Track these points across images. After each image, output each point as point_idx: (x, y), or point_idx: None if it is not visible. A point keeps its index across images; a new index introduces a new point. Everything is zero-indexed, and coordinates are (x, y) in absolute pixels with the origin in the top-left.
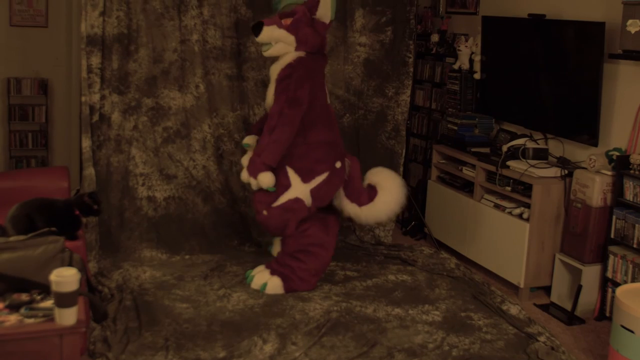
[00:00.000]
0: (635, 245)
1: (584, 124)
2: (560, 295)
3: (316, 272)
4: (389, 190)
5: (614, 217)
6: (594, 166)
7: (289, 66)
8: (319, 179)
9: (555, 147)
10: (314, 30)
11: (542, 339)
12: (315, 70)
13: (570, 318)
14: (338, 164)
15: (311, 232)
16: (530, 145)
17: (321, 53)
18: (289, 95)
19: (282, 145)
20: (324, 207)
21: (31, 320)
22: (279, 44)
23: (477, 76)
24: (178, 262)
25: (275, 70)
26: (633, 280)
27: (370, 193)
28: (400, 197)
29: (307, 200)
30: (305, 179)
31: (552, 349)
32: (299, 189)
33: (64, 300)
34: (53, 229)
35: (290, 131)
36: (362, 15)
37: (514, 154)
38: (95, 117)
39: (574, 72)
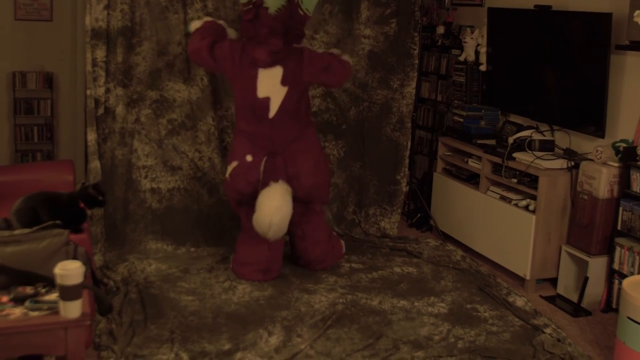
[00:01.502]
0: None
1: (591, 116)
2: (566, 287)
3: (242, 263)
4: (257, 207)
5: (620, 208)
6: (600, 158)
7: None
8: (231, 166)
9: (562, 138)
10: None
11: (548, 330)
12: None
13: (576, 310)
14: (249, 157)
15: (242, 220)
16: (537, 136)
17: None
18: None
19: None
20: None
21: (36, 313)
22: None
23: (482, 68)
24: (183, 254)
25: None
26: (639, 272)
27: None
28: (262, 215)
29: (230, 181)
30: (228, 160)
31: (558, 340)
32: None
33: (69, 293)
34: (58, 222)
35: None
36: (367, 7)
37: (520, 145)
38: (101, 111)
39: (581, 63)
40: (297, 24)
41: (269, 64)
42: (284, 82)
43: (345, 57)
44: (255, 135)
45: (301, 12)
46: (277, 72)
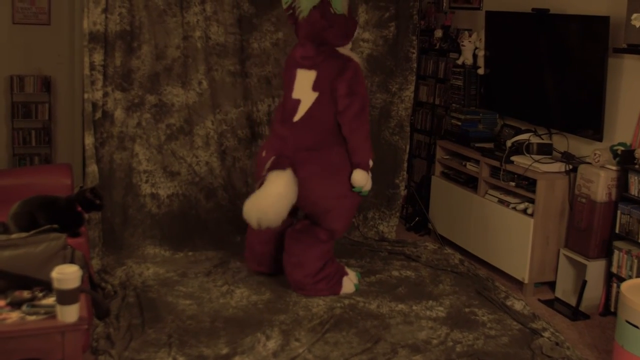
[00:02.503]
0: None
1: (589, 119)
2: (564, 290)
3: (246, 247)
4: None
5: (618, 212)
6: (598, 161)
7: None
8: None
9: (560, 142)
10: None
11: (546, 334)
12: None
13: (574, 313)
14: (264, 153)
15: None
16: (535, 140)
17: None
18: None
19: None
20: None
21: (33, 318)
22: None
23: (480, 71)
24: (181, 258)
25: None
26: (638, 276)
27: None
28: (254, 204)
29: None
30: None
31: (557, 344)
32: None
33: (66, 297)
34: (55, 226)
35: None
36: (365, 10)
37: (518, 149)
38: (98, 115)
39: (579, 66)
40: (332, 25)
41: (306, 66)
42: (315, 87)
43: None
44: (276, 135)
45: (332, 12)
46: (311, 75)
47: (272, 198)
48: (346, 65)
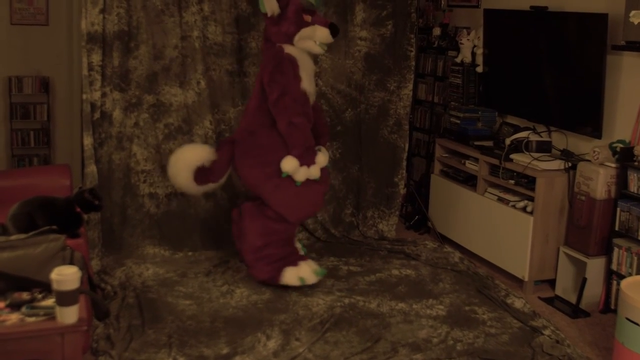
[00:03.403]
0: (639, 238)
1: (588, 116)
2: (564, 288)
3: None
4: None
5: (618, 209)
6: (597, 158)
7: None
8: None
9: (559, 139)
10: None
11: (546, 332)
12: None
13: (575, 311)
14: None
15: None
16: (534, 138)
17: None
18: None
19: None
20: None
21: (32, 319)
22: None
23: (479, 69)
24: (181, 258)
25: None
26: (638, 273)
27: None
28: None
29: None
30: None
31: (557, 342)
32: None
33: (65, 298)
34: (54, 227)
35: None
36: (362, 9)
37: (517, 147)
38: (97, 115)
39: (577, 64)
40: (269, 24)
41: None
42: (257, 77)
43: (297, 120)
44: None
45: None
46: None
47: (170, 163)
48: (275, 57)
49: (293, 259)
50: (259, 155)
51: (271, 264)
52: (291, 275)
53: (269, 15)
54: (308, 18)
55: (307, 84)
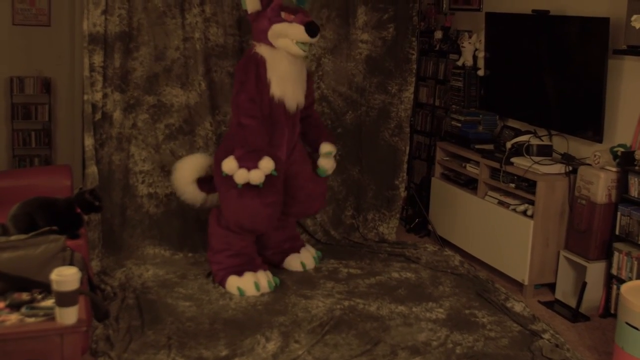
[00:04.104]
0: (639, 242)
1: (589, 120)
2: (564, 292)
3: None
4: None
5: (618, 213)
6: (598, 162)
7: None
8: None
9: (560, 143)
10: None
11: (546, 336)
12: None
13: (574, 315)
14: None
15: None
16: (535, 141)
17: None
18: None
19: None
20: None
21: (32, 320)
22: None
23: (480, 73)
24: (181, 259)
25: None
26: (638, 277)
27: None
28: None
29: None
30: None
31: (557, 346)
32: None
33: (65, 299)
34: (54, 227)
35: None
36: (364, 12)
37: (518, 150)
38: (98, 116)
39: (579, 68)
40: (250, 21)
41: None
42: None
43: (244, 121)
44: None
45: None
46: None
47: (173, 182)
48: (245, 55)
49: (239, 270)
50: (222, 154)
51: (219, 270)
52: (231, 285)
53: (249, 12)
54: (289, 17)
55: (280, 88)
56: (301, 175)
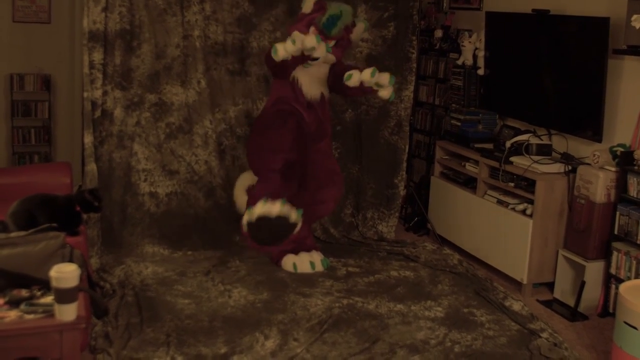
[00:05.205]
0: (639, 242)
1: (588, 120)
2: (563, 291)
3: None
4: None
5: (617, 213)
6: (597, 162)
7: None
8: None
9: (559, 142)
10: None
11: (544, 335)
12: None
13: (573, 314)
14: None
15: None
16: (534, 141)
17: None
18: None
19: None
20: None
21: (31, 316)
22: None
23: (480, 72)
24: (180, 257)
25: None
26: (637, 277)
27: None
28: None
29: None
30: None
31: (555, 345)
32: None
33: (64, 296)
34: (54, 224)
35: None
36: (364, 10)
37: (518, 149)
38: (98, 113)
39: (578, 67)
40: None
41: None
42: None
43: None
44: None
45: None
46: None
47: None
48: None
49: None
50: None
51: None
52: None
53: (302, 12)
54: (313, 31)
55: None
56: (320, 167)
